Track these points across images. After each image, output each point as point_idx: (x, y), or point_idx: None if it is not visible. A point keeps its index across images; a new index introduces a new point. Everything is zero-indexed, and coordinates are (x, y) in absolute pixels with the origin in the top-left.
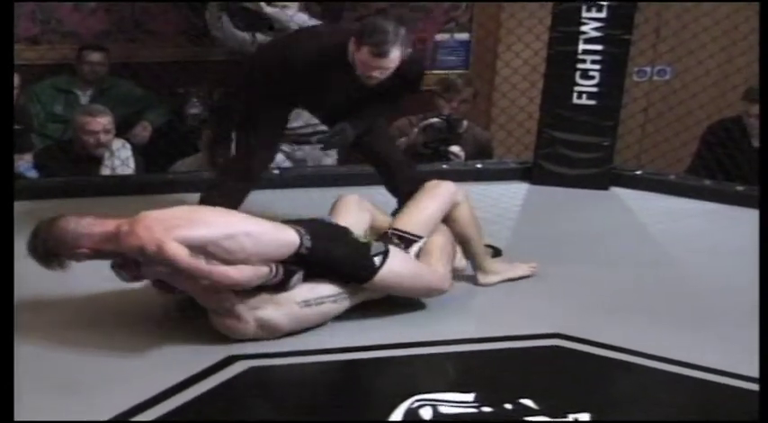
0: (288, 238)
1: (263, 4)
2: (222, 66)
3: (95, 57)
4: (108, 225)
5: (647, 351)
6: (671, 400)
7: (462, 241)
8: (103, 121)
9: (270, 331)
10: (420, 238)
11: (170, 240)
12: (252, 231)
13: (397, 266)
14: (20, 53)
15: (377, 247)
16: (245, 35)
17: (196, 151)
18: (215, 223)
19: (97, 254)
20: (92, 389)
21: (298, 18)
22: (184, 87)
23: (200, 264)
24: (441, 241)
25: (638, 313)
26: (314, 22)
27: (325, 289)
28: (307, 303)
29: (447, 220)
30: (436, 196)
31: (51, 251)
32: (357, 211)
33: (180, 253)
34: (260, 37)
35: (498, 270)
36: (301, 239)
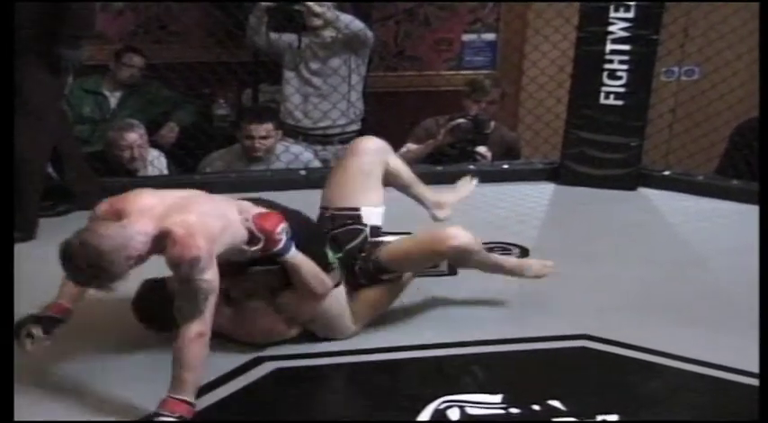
0: None
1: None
2: (249, 67)
3: (136, 60)
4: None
5: (674, 352)
6: (698, 401)
7: (405, 187)
8: (135, 137)
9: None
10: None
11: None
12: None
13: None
14: None
15: (334, 275)
16: (289, 40)
17: None
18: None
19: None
20: (117, 389)
21: (344, 17)
22: (211, 88)
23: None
24: (376, 299)
25: (665, 314)
26: (357, 21)
27: None
28: None
29: (386, 175)
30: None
31: (102, 270)
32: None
33: None
34: (305, 40)
35: (446, 200)
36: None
